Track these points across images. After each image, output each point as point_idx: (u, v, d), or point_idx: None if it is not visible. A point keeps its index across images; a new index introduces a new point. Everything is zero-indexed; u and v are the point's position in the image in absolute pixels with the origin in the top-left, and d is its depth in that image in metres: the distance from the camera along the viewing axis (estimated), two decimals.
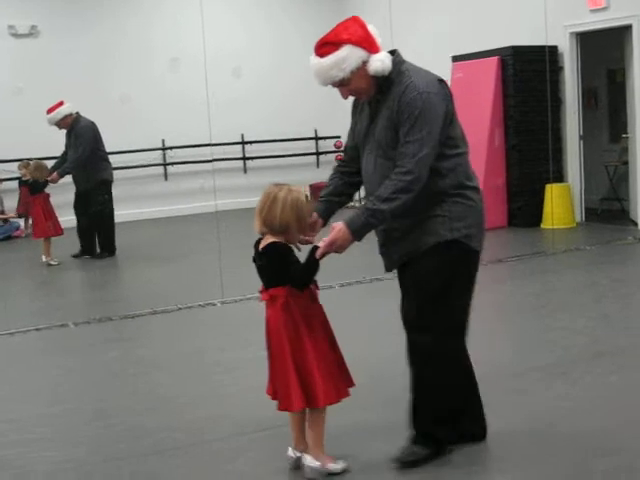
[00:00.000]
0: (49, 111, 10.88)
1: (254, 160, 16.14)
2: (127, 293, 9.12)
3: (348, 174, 4.38)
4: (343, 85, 4.04)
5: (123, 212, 12.93)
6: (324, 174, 16.93)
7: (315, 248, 3.95)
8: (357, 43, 3.93)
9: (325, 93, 16.87)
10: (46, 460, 4.47)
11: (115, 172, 11.72)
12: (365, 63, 3.95)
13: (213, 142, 12.64)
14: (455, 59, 12.42)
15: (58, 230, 10.94)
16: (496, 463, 4.15)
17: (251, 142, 16.09)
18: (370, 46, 3.97)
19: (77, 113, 11.08)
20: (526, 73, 11.61)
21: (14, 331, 7.35)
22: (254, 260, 4.06)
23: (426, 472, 4.02)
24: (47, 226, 10.76)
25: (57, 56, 14.35)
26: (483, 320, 7.06)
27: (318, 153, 16.75)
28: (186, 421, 4.88)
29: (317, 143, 16.74)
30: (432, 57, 13.31)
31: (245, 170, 16.14)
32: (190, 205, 14.69)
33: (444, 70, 12.46)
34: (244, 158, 16.15)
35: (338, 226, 4.00)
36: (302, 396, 3.89)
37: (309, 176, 16.13)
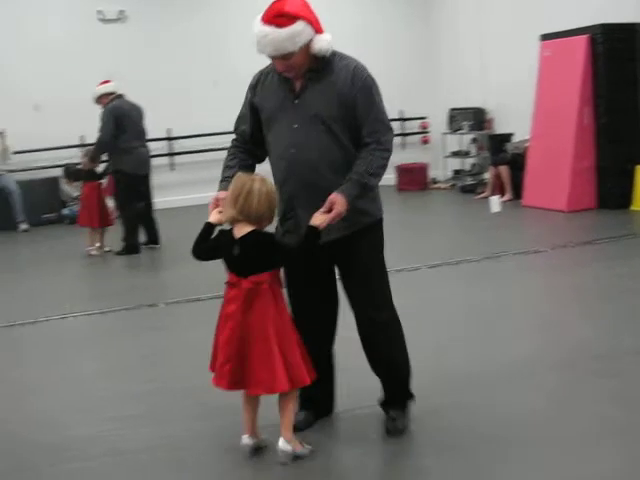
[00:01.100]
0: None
1: None
2: (193, 278, 9.12)
3: (249, 152, 4.45)
4: (285, 59, 4.12)
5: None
6: (410, 155, 17.15)
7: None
8: (309, 21, 4.10)
9: (410, 74, 16.79)
10: (140, 437, 4.59)
11: (209, 154, 11.56)
12: (310, 41, 4.12)
13: None
14: (544, 37, 12.23)
15: (102, 222, 10.71)
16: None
17: None
18: (317, 25, 4.17)
19: (117, 95, 10.40)
20: (616, 51, 11.36)
21: (106, 310, 7.53)
22: (224, 250, 4.08)
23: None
24: (89, 215, 10.66)
25: (144, 41, 14.56)
26: (571, 302, 7.01)
27: (404, 134, 16.68)
28: None
29: (403, 124, 16.67)
30: (520, 35, 13.22)
31: None
32: None
33: (532, 49, 12.33)
34: None
35: (339, 199, 4.10)
36: (287, 377, 3.99)
37: (394, 157, 15.93)
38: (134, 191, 10.45)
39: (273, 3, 4.10)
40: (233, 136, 4.49)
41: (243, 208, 3.95)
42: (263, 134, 4.37)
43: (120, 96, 10.44)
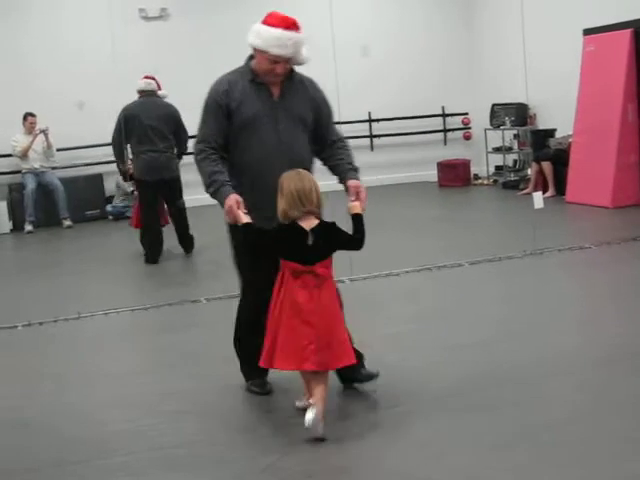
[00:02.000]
0: None
1: (381, 138, 16.14)
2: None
3: (222, 157, 4.85)
4: (288, 62, 4.76)
5: None
6: (452, 151, 17.13)
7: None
8: None
9: (451, 70, 16.79)
10: (179, 432, 4.62)
11: None
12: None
13: (341, 120, 12.69)
14: (587, 32, 12.11)
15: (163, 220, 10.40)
16: None
17: (378, 120, 16.07)
18: None
19: (147, 92, 9.94)
20: None
21: (148, 306, 7.58)
22: (294, 241, 4.43)
23: None
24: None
25: (187, 38, 14.63)
26: (613, 299, 6.94)
27: (446, 130, 16.60)
28: None
29: (444, 120, 16.59)
30: (563, 30, 13.10)
31: (372, 148, 16.16)
32: (321, 183, 14.71)
33: (575, 43, 12.22)
34: (371, 136, 16.15)
35: (359, 183, 4.79)
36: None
37: (436, 153, 16.07)
38: (144, 199, 10.04)
39: (277, 13, 4.77)
40: (201, 145, 4.83)
41: (319, 201, 4.44)
42: (228, 139, 4.84)
43: (150, 94, 9.95)
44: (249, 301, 5.06)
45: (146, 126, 9.67)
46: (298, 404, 4.72)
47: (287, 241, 4.43)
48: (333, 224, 4.52)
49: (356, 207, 4.60)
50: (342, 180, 4.94)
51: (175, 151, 10.00)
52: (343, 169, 4.91)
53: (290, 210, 4.38)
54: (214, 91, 4.85)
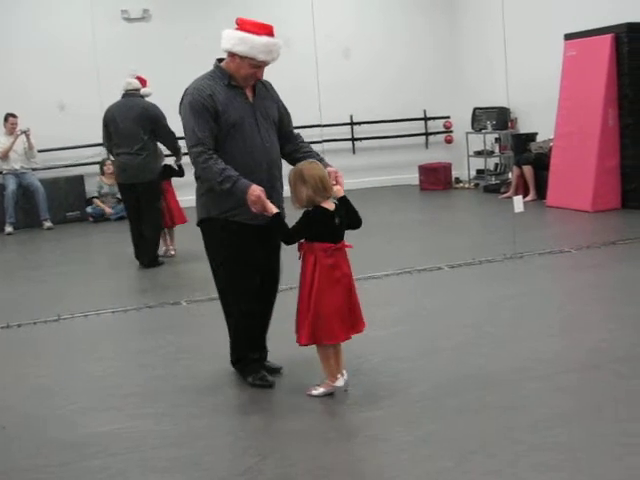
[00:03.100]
0: None
1: (363, 141, 16.16)
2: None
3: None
4: (264, 67, 5.01)
5: None
6: (433, 155, 17.18)
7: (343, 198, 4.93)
8: None
9: (433, 73, 16.78)
10: (162, 434, 4.60)
11: None
12: None
13: (323, 123, 12.71)
14: (568, 37, 12.17)
15: (175, 220, 10.28)
16: None
17: (360, 123, 16.10)
18: None
19: (124, 92, 9.69)
20: None
21: (129, 308, 7.56)
22: (325, 223, 4.79)
23: None
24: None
25: (169, 40, 14.60)
26: (594, 303, 6.96)
27: (427, 134, 16.65)
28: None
29: (426, 123, 16.63)
30: (544, 35, 13.16)
31: (354, 151, 16.18)
32: None
33: (556, 48, 12.27)
34: (353, 139, 16.18)
35: (338, 170, 4.99)
36: None
37: (418, 157, 16.11)
38: (123, 200, 10.08)
39: (251, 20, 5.03)
40: (199, 148, 4.89)
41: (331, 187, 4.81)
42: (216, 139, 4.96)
43: (130, 94, 9.67)
44: (245, 311, 5.17)
45: (121, 128, 9.45)
46: (316, 392, 4.98)
47: (319, 224, 4.77)
48: (347, 199, 4.92)
49: (340, 191, 4.90)
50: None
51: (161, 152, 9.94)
52: (315, 159, 5.06)
53: (316, 196, 4.72)
54: (198, 95, 4.91)
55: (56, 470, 4.24)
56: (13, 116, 13.57)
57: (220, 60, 5.12)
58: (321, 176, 4.75)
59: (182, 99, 5.02)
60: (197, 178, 5.12)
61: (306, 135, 15.71)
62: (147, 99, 9.82)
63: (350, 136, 16.16)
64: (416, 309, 6.93)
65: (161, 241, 10.07)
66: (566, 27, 12.27)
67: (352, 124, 16.13)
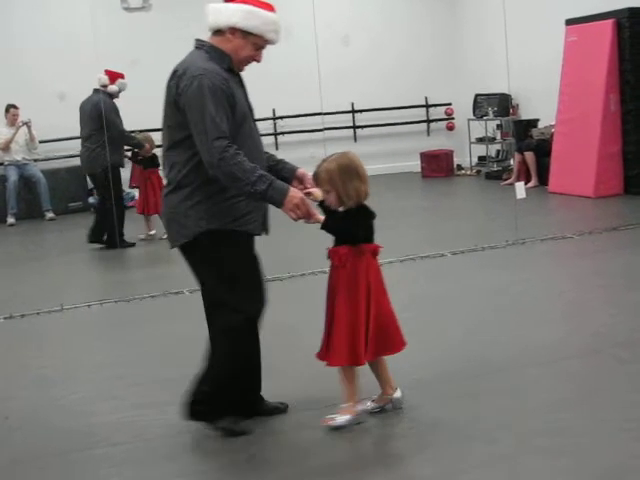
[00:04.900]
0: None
1: (364, 129, 16.14)
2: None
3: None
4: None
5: None
6: (435, 142, 17.12)
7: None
8: None
9: (434, 60, 16.67)
10: (166, 423, 4.61)
11: None
12: None
13: (324, 111, 12.69)
14: (568, 22, 12.14)
15: (147, 209, 10.93)
16: None
17: (361, 111, 16.08)
18: None
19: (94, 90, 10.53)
20: None
21: (131, 298, 7.57)
22: (369, 222, 4.37)
23: None
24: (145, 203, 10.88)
25: (169, 29, 14.56)
26: (596, 289, 6.96)
27: (429, 121, 16.63)
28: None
29: (427, 111, 16.61)
30: (545, 20, 13.12)
31: (355, 139, 16.16)
32: None
33: (557, 34, 12.23)
34: (354, 127, 16.16)
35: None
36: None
37: (419, 144, 16.09)
38: None
39: None
40: (224, 142, 4.01)
41: None
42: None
43: (96, 90, 10.49)
44: (248, 319, 4.32)
45: (82, 122, 10.44)
46: (370, 406, 4.47)
47: (369, 223, 4.37)
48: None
49: (319, 193, 4.25)
50: (292, 172, 4.50)
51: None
52: (283, 161, 4.56)
53: (368, 191, 4.30)
54: (214, 77, 4.07)
55: (60, 459, 4.26)
56: (14, 107, 13.58)
57: (202, 41, 4.36)
58: (364, 167, 4.29)
59: (185, 82, 4.11)
60: (184, 185, 4.19)
61: (307, 123, 15.83)
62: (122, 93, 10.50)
63: (352, 124, 16.14)
64: (419, 296, 6.93)
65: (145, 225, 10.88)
66: (567, 12, 12.24)
67: (353, 112, 16.11)
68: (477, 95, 15.22)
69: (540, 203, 11.34)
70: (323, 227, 4.24)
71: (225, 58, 4.22)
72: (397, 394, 4.47)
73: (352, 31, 15.76)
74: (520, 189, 8.66)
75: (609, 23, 11.36)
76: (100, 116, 9.98)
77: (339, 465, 3.95)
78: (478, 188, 14.05)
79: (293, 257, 8.62)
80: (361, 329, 4.18)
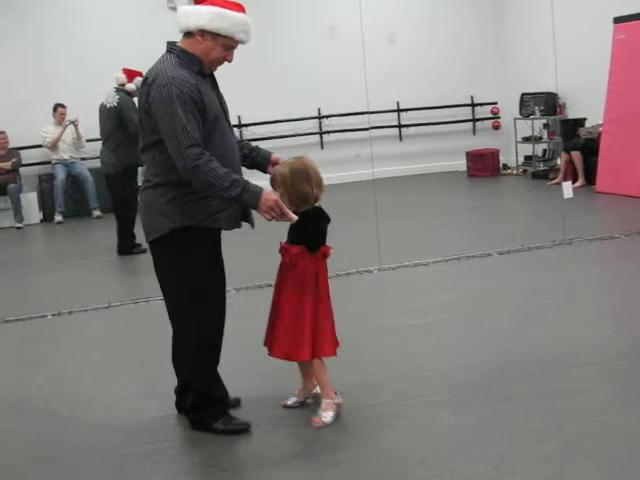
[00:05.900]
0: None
1: (409, 128, 16.10)
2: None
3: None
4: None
5: None
6: (481, 141, 16.99)
7: None
8: None
9: (480, 59, 16.58)
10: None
11: (274, 141, 11.55)
12: None
13: (370, 110, 12.67)
14: (617, 20, 12.01)
15: None
16: None
17: (407, 110, 16.03)
18: None
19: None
20: None
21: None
22: (326, 223, 4.55)
23: None
24: None
25: None
26: (619, 293, 6.88)
27: (474, 120, 16.54)
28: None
29: (473, 109, 16.53)
30: (593, 18, 12.99)
31: (401, 138, 16.12)
32: (346, 173, 14.76)
33: (605, 32, 12.11)
34: (399, 126, 16.12)
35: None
36: None
37: (465, 143, 16.01)
38: None
39: None
40: (197, 149, 4.07)
41: None
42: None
43: (117, 90, 10.26)
44: (214, 314, 4.46)
45: (101, 122, 10.23)
46: (291, 402, 4.74)
47: (324, 225, 4.52)
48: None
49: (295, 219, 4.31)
50: (266, 157, 4.65)
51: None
52: (258, 148, 4.70)
53: (319, 194, 4.45)
54: (182, 85, 4.09)
55: (107, 454, 4.30)
56: (62, 106, 13.71)
57: (173, 44, 4.36)
58: (319, 171, 4.45)
59: (155, 91, 4.13)
60: (161, 184, 4.28)
61: (353, 123, 15.82)
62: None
63: (397, 123, 16.10)
64: (464, 296, 6.90)
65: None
66: (615, 10, 12.11)
67: (399, 111, 16.06)
68: (523, 94, 15.10)
69: (587, 203, 11.24)
70: (295, 226, 4.39)
71: (195, 61, 4.26)
72: (338, 398, 4.53)
73: (398, 29, 15.72)
74: (567, 189, 8.59)
75: None
76: (118, 114, 9.91)
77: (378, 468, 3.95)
78: (524, 188, 13.95)
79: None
80: (304, 328, 4.39)
